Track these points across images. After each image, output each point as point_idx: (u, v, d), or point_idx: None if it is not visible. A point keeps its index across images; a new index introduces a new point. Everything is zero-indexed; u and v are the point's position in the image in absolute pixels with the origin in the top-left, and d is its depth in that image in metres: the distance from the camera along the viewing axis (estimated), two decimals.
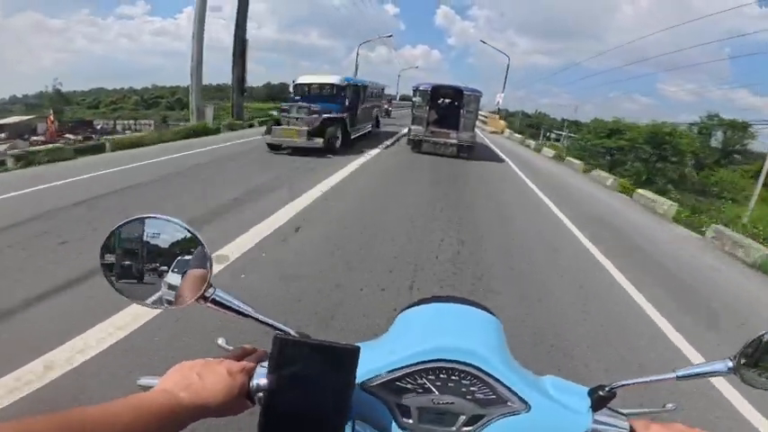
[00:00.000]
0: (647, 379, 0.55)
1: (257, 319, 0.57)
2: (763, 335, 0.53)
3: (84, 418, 0.38)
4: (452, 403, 0.54)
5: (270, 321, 0.57)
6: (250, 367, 0.54)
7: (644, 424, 0.55)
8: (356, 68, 31.83)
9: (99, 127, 26.87)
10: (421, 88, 11.75)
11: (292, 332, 0.55)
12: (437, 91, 12.31)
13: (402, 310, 0.68)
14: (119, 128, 27.88)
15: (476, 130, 11.82)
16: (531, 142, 17.06)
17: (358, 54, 33.13)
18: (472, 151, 11.54)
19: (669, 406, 0.59)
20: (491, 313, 0.67)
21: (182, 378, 0.50)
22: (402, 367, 0.55)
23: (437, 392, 0.55)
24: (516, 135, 19.55)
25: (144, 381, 0.53)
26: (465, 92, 11.42)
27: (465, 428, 0.55)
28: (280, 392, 0.49)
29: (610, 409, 0.57)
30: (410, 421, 0.55)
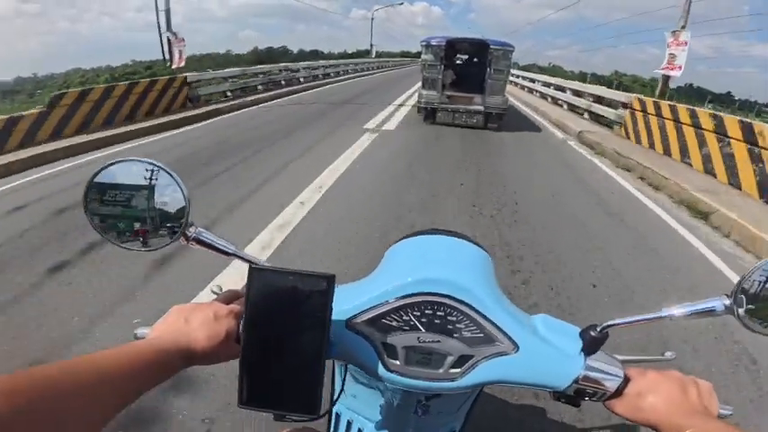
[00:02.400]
0: (639, 318, 0.54)
1: (238, 256, 0.58)
2: (755, 267, 0.50)
3: (77, 369, 0.39)
4: (439, 341, 0.53)
5: (250, 257, 0.58)
6: (238, 310, 0.54)
7: (639, 371, 0.54)
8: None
9: None
10: (433, 43, 9.24)
11: (273, 265, 0.52)
12: (453, 46, 9.83)
13: (390, 246, 0.65)
14: None
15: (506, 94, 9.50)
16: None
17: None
18: (501, 121, 9.28)
19: (668, 354, 0.59)
20: (481, 248, 0.64)
21: (170, 324, 0.51)
22: (386, 302, 0.53)
23: (423, 330, 0.53)
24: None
25: (140, 331, 0.54)
26: (492, 45, 8.97)
27: (453, 370, 0.54)
28: (256, 323, 0.49)
29: (605, 353, 0.54)
30: (397, 362, 0.54)
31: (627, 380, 0.53)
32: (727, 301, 0.51)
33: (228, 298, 0.59)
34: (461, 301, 0.52)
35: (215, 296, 0.60)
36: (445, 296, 0.52)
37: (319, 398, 0.49)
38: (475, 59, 10.39)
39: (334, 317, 0.50)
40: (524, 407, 1.73)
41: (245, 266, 0.51)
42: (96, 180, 0.54)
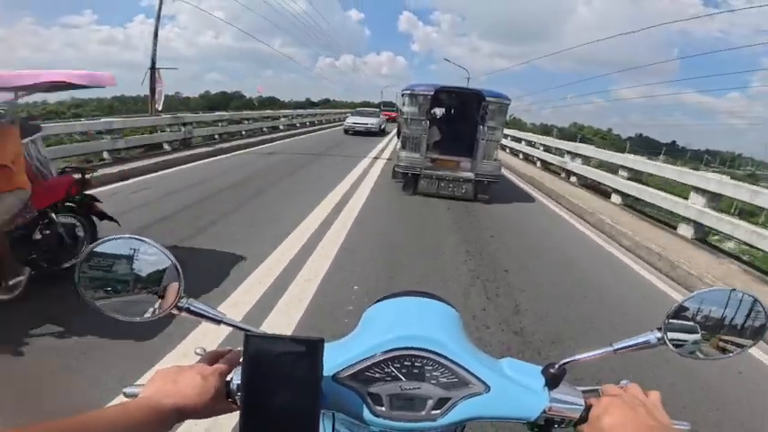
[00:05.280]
0: (590, 354, 0.61)
1: (229, 324, 0.62)
2: (682, 302, 0.60)
3: (70, 428, 0.41)
4: (419, 388, 0.58)
5: (241, 325, 0.60)
6: (222, 369, 0.58)
7: (595, 397, 0.60)
8: None
9: None
10: (417, 91, 7.54)
11: (265, 331, 0.58)
12: (439, 96, 8.17)
13: (367, 307, 0.71)
14: None
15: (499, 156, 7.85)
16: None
17: None
18: (490, 190, 7.59)
19: (623, 383, 0.62)
20: (450, 305, 0.70)
21: (160, 386, 0.54)
22: (369, 357, 0.58)
23: (404, 379, 0.58)
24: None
25: (129, 390, 0.58)
26: (487, 97, 7.37)
27: (434, 411, 0.58)
28: (254, 388, 0.52)
29: (568, 385, 0.61)
30: (383, 408, 0.58)
31: (588, 407, 0.59)
32: (659, 334, 0.60)
33: (212, 359, 0.61)
34: (435, 353, 0.58)
35: (199, 357, 0.62)
36: (421, 349, 0.58)
37: None
38: (466, 115, 8.77)
39: (323, 373, 0.55)
40: None
41: (227, 330, 0.55)
42: (90, 256, 0.58)
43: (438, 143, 8.64)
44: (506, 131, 16.68)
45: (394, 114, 30.65)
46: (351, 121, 21.56)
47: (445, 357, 0.58)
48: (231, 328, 0.62)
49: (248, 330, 0.58)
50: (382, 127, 22.33)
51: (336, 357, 0.59)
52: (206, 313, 0.61)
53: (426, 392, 0.58)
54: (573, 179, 10.19)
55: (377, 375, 0.59)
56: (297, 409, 0.52)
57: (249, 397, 0.52)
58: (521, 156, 14.96)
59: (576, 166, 10.12)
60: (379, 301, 0.72)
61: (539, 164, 12.84)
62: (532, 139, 14.52)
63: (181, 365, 0.57)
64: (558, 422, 0.60)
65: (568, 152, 10.80)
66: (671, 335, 0.59)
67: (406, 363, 0.59)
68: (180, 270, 0.59)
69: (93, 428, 0.43)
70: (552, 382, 0.60)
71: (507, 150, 16.56)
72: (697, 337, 0.60)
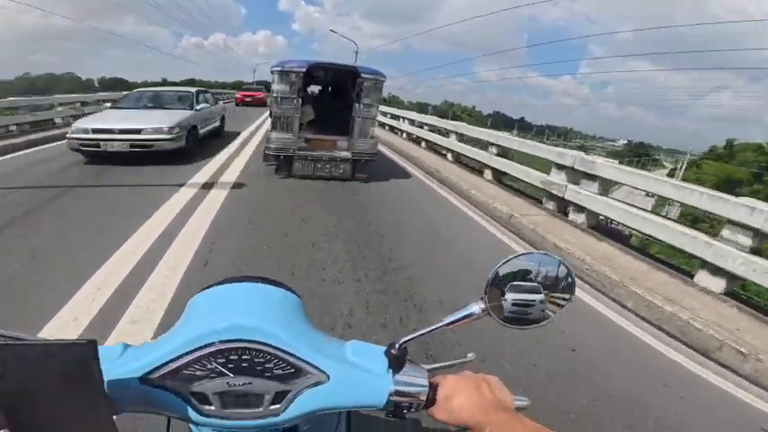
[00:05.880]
0: (425, 330, 0.60)
1: None
2: (497, 269, 0.59)
3: None
4: (250, 383, 0.53)
5: None
6: None
7: (442, 377, 0.60)
8: None
9: None
10: (287, 68, 6.88)
11: (23, 336, 0.49)
12: (314, 72, 7.68)
13: (193, 296, 0.61)
14: None
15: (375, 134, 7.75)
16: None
17: None
18: (369, 168, 7.52)
19: (470, 355, 0.68)
20: (290, 291, 0.63)
21: None
22: (182, 355, 0.52)
23: (231, 375, 0.52)
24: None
25: None
26: (363, 74, 7.09)
27: (273, 406, 0.54)
28: (18, 409, 0.43)
29: (413, 363, 0.60)
30: (212, 408, 0.53)
31: (435, 387, 0.58)
32: (482, 305, 0.59)
33: None
34: (264, 343, 0.53)
35: None
36: (246, 341, 0.52)
37: None
38: (341, 92, 8.40)
39: (125, 375, 0.51)
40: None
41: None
42: None
43: (312, 122, 8.22)
44: (385, 109, 16.85)
45: (261, 95, 27.66)
46: (86, 125, 7.30)
47: (277, 348, 0.53)
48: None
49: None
50: (211, 127, 10.04)
51: (146, 356, 0.52)
52: None
53: (260, 387, 0.53)
54: (449, 156, 10.54)
55: (198, 373, 0.52)
56: (81, 421, 0.45)
57: (15, 421, 0.43)
58: (403, 135, 15.09)
59: (454, 143, 10.37)
60: (206, 288, 0.63)
61: (423, 144, 12.82)
62: (414, 118, 14.58)
63: None
64: (408, 406, 0.58)
65: (448, 131, 10.96)
66: (493, 303, 0.60)
67: (231, 357, 0.52)
68: None
69: None
70: (395, 363, 0.58)
71: (387, 128, 16.76)
72: (517, 304, 0.61)
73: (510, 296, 0.60)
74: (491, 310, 0.59)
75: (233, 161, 8.12)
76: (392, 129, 16.47)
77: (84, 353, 0.44)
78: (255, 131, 13.01)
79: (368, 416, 1.66)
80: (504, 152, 8.47)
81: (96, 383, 0.45)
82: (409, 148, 11.75)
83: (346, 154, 7.32)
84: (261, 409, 0.54)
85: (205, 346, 0.52)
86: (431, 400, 0.58)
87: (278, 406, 0.54)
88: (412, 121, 14.39)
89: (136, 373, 0.52)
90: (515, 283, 0.60)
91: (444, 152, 10.98)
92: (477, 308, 0.60)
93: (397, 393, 0.57)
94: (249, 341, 0.52)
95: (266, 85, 35.46)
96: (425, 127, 13.07)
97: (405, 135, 14.79)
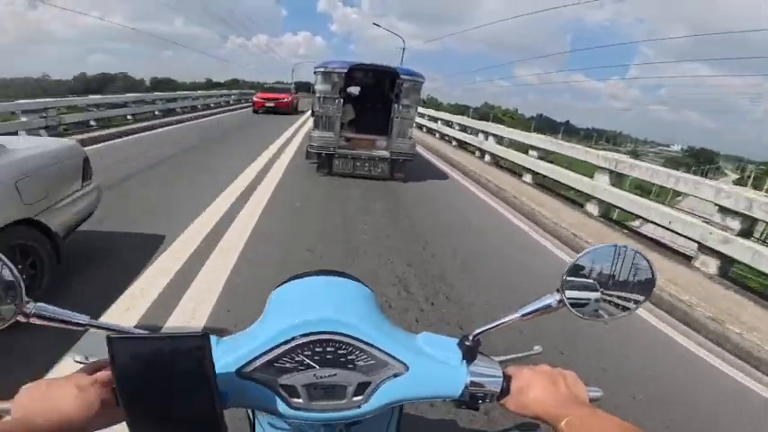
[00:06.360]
0: (499, 322, 0.60)
1: (91, 325, 0.54)
2: (576, 261, 0.58)
3: None
4: (335, 374, 0.54)
5: (105, 324, 0.54)
6: (105, 376, 0.51)
7: (516, 369, 0.60)
8: None
9: None
10: (330, 68, 7.17)
11: (135, 330, 0.54)
12: (354, 73, 7.91)
13: (273, 289, 0.65)
14: None
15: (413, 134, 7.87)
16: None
17: None
18: (405, 168, 7.63)
19: (536, 348, 0.66)
20: (363, 284, 0.67)
21: (30, 403, 0.48)
22: (275, 347, 0.54)
23: (318, 366, 0.54)
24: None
25: None
26: (402, 75, 7.26)
27: (355, 398, 0.55)
28: (132, 395, 0.46)
29: (484, 355, 0.60)
30: (300, 400, 0.55)
31: (508, 379, 0.59)
32: (558, 296, 0.58)
33: (94, 368, 0.54)
34: (348, 335, 0.54)
35: (80, 366, 0.56)
36: (332, 333, 0.54)
37: None
38: (381, 93, 8.62)
39: (223, 369, 0.51)
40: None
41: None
42: None
43: (353, 122, 8.46)
44: (423, 111, 16.90)
45: (287, 98, 20.25)
46: None
47: (359, 340, 0.55)
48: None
49: (115, 329, 0.53)
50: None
51: (239, 349, 0.54)
52: (62, 317, 0.53)
53: (344, 379, 0.55)
54: (487, 158, 10.49)
55: (287, 365, 0.54)
56: (194, 414, 0.47)
57: (129, 406, 0.46)
58: (437, 135, 15.19)
59: (490, 145, 10.33)
60: (286, 281, 0.66)
61: (454, 143, 13.12)
62: (448, 119, 14.72)
63: (51, 379, 0.51)
64: (482, 397, 0.59)
65: (482, 131, 10.97)
66: (570, 294, 0.58)
67: (317, 349, 0.54)
68: (14, 269, 0.50)
69: None
70: (469, 354, 0.59)
71: (424, 129, 16.84)
72: (596, 295, 0.59)
73: (586, 292, 0.59)
74: (567, 302, 0.58)
75: None
76: (429, 130, 16.52)
77: (194, 344, 0.45)
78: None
79: (416, 410, 1.80)
80: (546, 156, 8.32)
81: (209, 377, 0.46)
82: (447, 150, 11.84)
83: (385, 153, 7.48)
84: (344, 401, 0.55)
85: (295, 338, 0.54)
86: (504, 392, 0.58)
87: (360, 398, 0.56)
88: (449, 123, 14.42)
89: (232, 366, 0.53)
90: (594, 275, 0.59)
91: (480, 154, 10.96)
92: (553, 300, 0.58)
93: (472, 384, 0.58)
94: (336, 333, 0.54)
95: (299, 86, 32.60)
96: (467, 130, 13.04)
97: (439, 136, 14.91)
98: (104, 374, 0.52)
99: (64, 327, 0.54)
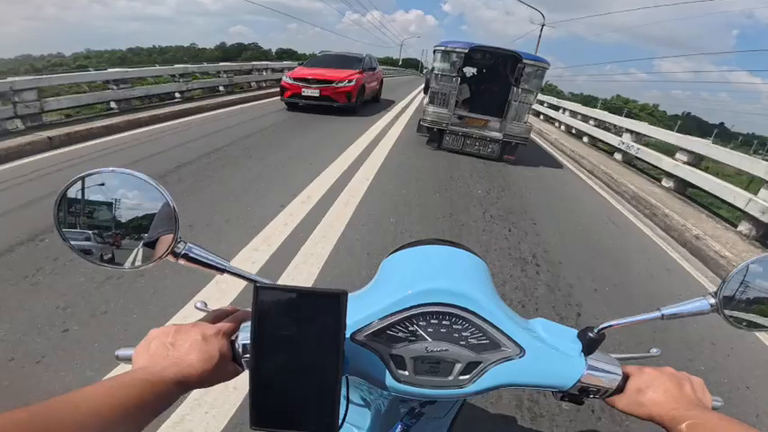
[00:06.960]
0: (634, 319, 0.56)
1: (233, 273, 0.54)
2: (736, 270, 0.54)
3: (76, 403, 0.36)
4: (446, 350, 0.53)
5: (247, 274, 0.54)
6: (227, 328, 0.52)
7: (637, 369, 0.57)
8: None
9: None
10: (450, 47, 7.34)
11: (276, 283, 0.51)
12: (474, 55, 7.93)
13: (386, 256, 0.64)
14: None
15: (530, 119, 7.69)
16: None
17: None
18: (517, 152, 7.52)
19: (654, 351, 0.62)
20: (477, 256, 0.63)
21: (155, 351, 0.47)
22: (391, 314, 0.53)
23: (430, 339, 0.53)
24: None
25: (121, 352, 0.53)
26: (525, 59, 7.13)
27: (462, 377, 0.54)
28: (264, 347, 0.45)
29: (601, 352, 0.58)
30: (405, 373, 0.53)
31: (626, 377, 0.56)
32: (713, 301, 0.54)
33: (216, 317, 0.55)
34: (466, 309, 0.53)
35: (202, 313, 0.58)
36: (450, 305, 0.52)
37: (338, 415, 0.47)
38: (500, 75, 8.58)
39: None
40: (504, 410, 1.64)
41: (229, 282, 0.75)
42: (70, 193, 0.49)
43: (467, 101, 8.56)
44: (543, 97, 16.02)
45: (343, 78, 9.53)
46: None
47: (477, 315, 0.53)
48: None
49: (257, 281, 0.52)
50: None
51: (353, 314, 0.52)
52: (208, 260, 0.53)
53: (455, 355, 0.53)
54: (618, 156, 9.22)
55: (400, 335, 0.53)
56: (315, 374, 0.46)
57: (259, 358, 0.46)
58: (562, 126, 13.99)
59: (630, 144, 8.74)
60: (399, 249, 0.65)
61: (585, 139, 11.55)
62: (580, 111, 13.10)
63: (178, 324, 0.51)
64: (593, 392, 0.56)
65: (627, 130, 9.34)
66: (725, 302, 0.54)
67: (432, 321, 0.53)
68: (176, 209, 0.49)
69: (80, 410, 0.36)
70: (589, 347, 0.56)
71: (541, 117, 16.00)
72: (753, 306, 0.55)
73: (741, 303, 0.55)
74: (722, 309, 0.54)
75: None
76: (548, 118, 15.57)
77: (333, 302, 0.45)
78: None
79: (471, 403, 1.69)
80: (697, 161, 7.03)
81: (339, 336, 0.45)
82: (569, 143, 11.07)
83: (497, 135, 7.46)
84: (450, 379, 0.54)
85: (410, 307, 0.52)
86: (617, 389, 0.56)
87: (466, 377, 0.54)
88: (574, 114, 13.41)
89: (348, 330, 0.51)
90: (753, 286, 0.54)
91: (613, 152, 9.67)
92: (705, 303, 0.54)
93: (587, 378, 0.55)
94: (457, 307, 0.52)
95: (406, 63, 28.80)
96: (590, 121, 11.86)
97: (563, 127, 13.88)
98: (226, 325, 0.52)
99: (205, 269, 0.53)
